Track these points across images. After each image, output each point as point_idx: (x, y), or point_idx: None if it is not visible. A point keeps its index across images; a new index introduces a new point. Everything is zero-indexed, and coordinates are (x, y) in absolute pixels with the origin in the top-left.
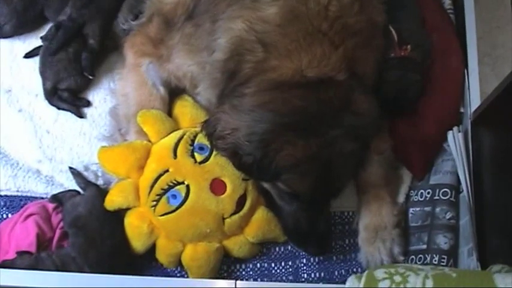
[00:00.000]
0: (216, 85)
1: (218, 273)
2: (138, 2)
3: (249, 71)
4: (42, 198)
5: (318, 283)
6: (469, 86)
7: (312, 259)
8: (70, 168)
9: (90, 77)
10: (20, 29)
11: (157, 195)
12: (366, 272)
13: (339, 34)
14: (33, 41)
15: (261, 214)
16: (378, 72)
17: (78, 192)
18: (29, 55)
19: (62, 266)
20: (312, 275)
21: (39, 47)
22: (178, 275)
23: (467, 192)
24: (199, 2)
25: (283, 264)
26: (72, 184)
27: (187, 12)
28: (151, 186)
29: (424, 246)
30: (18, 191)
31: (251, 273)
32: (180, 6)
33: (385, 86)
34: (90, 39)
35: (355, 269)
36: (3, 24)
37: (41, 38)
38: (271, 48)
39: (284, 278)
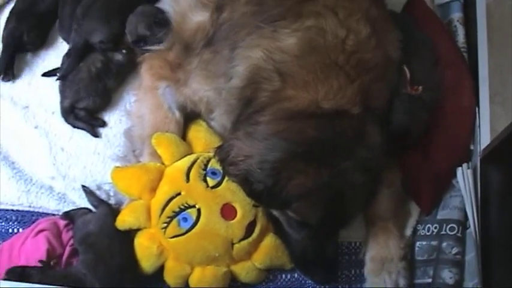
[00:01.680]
0: (232, 111)
1: None
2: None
3: (265, 99)
4: (54, 214)
5: None
6: (479, 124)
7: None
8: (83, 186)
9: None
10: (21, 23)
11: (169, 217)
12: None
13: (355, 68)
14: (53, 59)
15: (270, 241)
16: (389, 106)
17: (90, 210)
18: (47, 74)
19: (72, 283)
20: None
21: (59, 68)
22: None
23: (474, 228)
24: (219, 29)
25: None
26: (84, 202)
27: (206, 38)
28: (163, 208)
29: (429, 280)
30: (30, 206)
31: None
32: (199, 32)
33: (393, 120)
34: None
35: None
36: (6, 26)
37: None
38: (288, 78)
39: None
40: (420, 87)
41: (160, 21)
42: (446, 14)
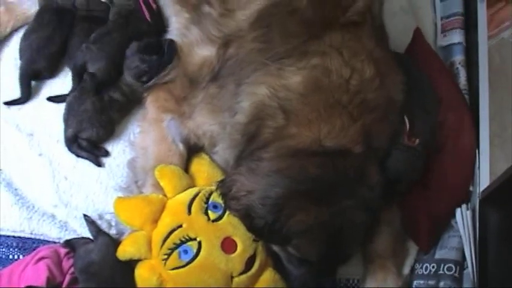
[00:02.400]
0: (235, 146)
1: None
2: (130, 64)
3: (268, 136)
4: (55, 242)
5: None
6: (479, 166)
7: None
8: (84, 215)
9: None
10: (34, 64)
11: (169, 249)
12: None
13: (358, 108)
14: (59, 87)
15: (269, 275)
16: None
17: (92, 240)
18: (53, 99)
19: None
20: None
21: (66, 95)
22: None
23: (472, 269)
24: (225, 65)
25: None
26: (85, 231)
27: (212, 73)
28: (164, 240)
29: None
30: (31, 233)
31: None
32: (205, 67)
33: (388, 167)
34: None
35: None
36: (21, 58)
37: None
38: (292, 115)
39: None
40: (417, 140)
41: (155, 49)
42: (448, 56)
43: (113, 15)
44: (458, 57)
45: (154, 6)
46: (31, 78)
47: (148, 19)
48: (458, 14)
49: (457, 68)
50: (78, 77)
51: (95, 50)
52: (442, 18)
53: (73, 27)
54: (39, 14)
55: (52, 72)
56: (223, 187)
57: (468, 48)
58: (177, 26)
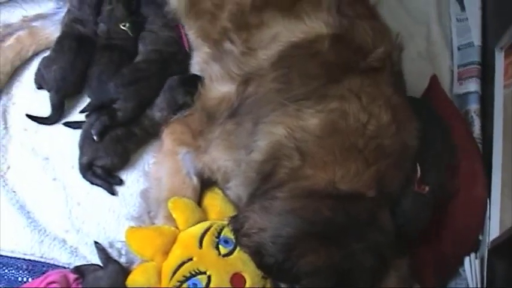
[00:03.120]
0: (249, 184)
1: None
2: (177, 95)
3: (283, 176)
4: (65, 267)
5: None
6: (489, 215)
7: None
8: (95, 242)
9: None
10: (64, 91)
11: (179, 281)
12: None
13: (373, 153)
14: (76, 114)
15: None
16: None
17: (101, 267)
18: (69, 125)
19: None
20: None
21: (82, 122)
22: None
23: None
24: (243, 102)
25: None
26: (95, 258)
27: (230, 109)
28: (174, 272)
29: None
30: (42, 257)
31: None
32: (224, 103)
33: (396, 213)
34: (118, 112)
35: None
36: (49, 90)
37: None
38: (308, 157)
39: None
40: (427, 188)
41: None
42: (464, 105)
43: (151, 56)
44: (474, 106)
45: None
46: (63, 103)
47: (187, 49)
48: (475, 63)
49: (472, 116)
50: (98, 107)
51: (131, 91)
52: (459, 66)
53: (93, 55)
54: (59, 41)
55: (78, 92)
56: (236, 223)
57: (483, 97)
58: (198, 60)
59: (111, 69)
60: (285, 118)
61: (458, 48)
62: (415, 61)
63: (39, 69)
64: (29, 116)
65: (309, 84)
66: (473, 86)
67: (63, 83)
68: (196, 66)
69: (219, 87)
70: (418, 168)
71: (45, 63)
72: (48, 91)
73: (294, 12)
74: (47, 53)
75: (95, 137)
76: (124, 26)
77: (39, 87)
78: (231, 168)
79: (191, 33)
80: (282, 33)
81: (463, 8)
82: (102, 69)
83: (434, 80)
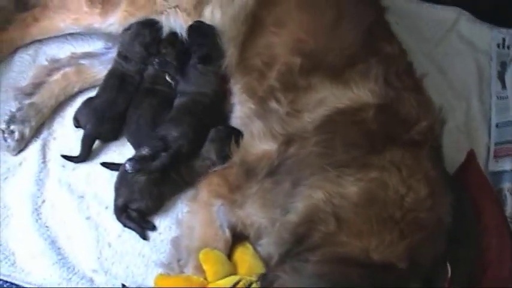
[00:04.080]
0: (282, 244)
1: None
2: (225, 146)
3: (317, 240)
4: None
5: None
6: None
7: None
8: (123, 285)
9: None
10: (99, 127)
11: None
12: None
13: (409, 226)
14: (115, 156)
15: None
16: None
17: None
18: (107, 166)
19: None
20: None
21: (119, 164)
22: None
23: None
24: (284, 162)
25: None
26: None
27: (270, 167)
28: None
29: None
30: None
31: None
32: (264, 160)
33: None
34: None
35: None
36: (85, 124)
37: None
38: (344, 224)
39: None
40: None
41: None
42: (498, 183)
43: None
44: (507, 185)
45: None
46: (94, 140)
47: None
48: None
49: (505, 195)
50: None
51: (185, 128)
52: (496, 144)
53: (134, 96)
54: (105, 78)
55: (114, 136)
56: (265, 281)
57: None
58: (241, 114)
59: (150, 115)
60: (325, 183)
61: (497, 126)
62: (453, 133)
63: (80, 107)
64: (63, 155)
65: (351, 152)
66: (508, 164)
67: (102, 117)
68: (238, 120)
69: (260, 144)
70: (449, 267)
71: (87, 100)
72: (83, 128)
73: (342, 79)
74: (92, 92)
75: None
76: (170, 78)
77: (77, 126)
78: (264, 225)
79: (237, 88)
80: (328, 98)
81: (504, 87)
82: (141, 114)
83: (471, 155)
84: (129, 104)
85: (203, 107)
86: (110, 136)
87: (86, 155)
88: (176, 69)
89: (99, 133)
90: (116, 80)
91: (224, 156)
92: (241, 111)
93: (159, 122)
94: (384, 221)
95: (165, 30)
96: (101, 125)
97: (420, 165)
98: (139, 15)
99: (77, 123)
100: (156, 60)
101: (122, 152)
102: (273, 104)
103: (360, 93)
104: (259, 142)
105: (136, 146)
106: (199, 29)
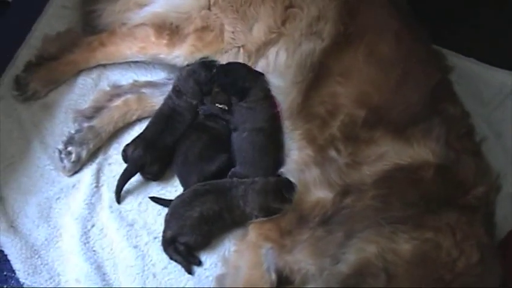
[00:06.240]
0: None
1: None
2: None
3: None
4: None
5: None
6: None
7: None
8: None
9: None
10: (146, 156)
11: None
12: None
13: None
14: (168, 188)
15: None
16: None
17: None
18: (156, 200)
19: None
20: None
21: (170, 200)
22: None
23: None
24: (338, 212)
25: None
26: None
27: (323, 216)
28: None
29: None
30: None
31: None
32: (318, 208)
33: None
34: None
35: None
36: (133, 151)
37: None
38: (394, 280)
39: None
40: None
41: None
42: None
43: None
44: None
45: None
46: (137, 169)
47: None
48: None
49: None
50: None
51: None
52: None
53: (184, 131)
54: (156, 112)
55: (159, 169)
56: None
57: None
58: (298, 160)
59: (197, 148)
60: (379, 238)
61: None
62: (506, 202)
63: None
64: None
65: (408, 210)
66: None
67: (147, 148)
68: (294, 165)
69: (316, 192)
70: None
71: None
72: (130, 155)
73: (405, 136)
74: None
75: None
76: (220, 105)
77: (125, 160)
78: (312, 273)
79: (297, 134)
80: (389, 153)
81: None
82: (189, 146)
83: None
84: (177, 140)
85: (265, 139)
86: (155, 168)
87: (119, 189)
88: (223, 112)
89: (144, 161)
90: (166, 113)
91: (267, 210)
92: (298, 156)
93: (206, 156)
94: (434, 282)
95: None
96: (148, 153)
97: (473, 231)
98: (206, 52)
99: (125, 157)
100: (203, 108)
101: (174, 188)
102: (333, 153)
103: (420, 151)
104: (314, 190)
105: (181, 177)
106: (222, 70)
